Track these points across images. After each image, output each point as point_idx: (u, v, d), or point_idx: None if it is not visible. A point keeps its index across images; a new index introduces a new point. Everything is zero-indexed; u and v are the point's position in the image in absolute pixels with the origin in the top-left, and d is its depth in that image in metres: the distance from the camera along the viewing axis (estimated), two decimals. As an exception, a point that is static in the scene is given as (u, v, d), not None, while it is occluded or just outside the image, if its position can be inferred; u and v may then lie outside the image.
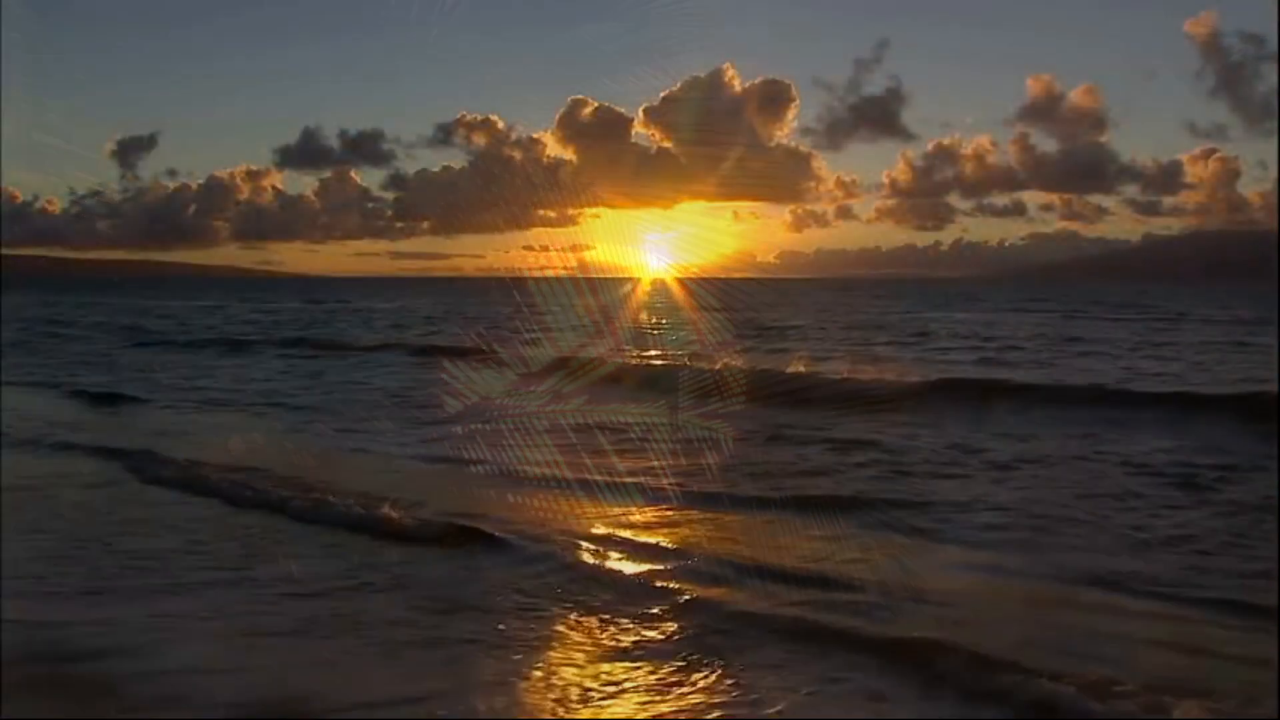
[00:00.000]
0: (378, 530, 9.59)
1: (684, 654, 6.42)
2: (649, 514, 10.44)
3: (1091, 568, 8.28)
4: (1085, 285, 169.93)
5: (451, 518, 9.83)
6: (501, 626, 6.96)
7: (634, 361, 25.51)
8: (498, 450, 13.61)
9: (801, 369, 23.29)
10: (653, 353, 29.33)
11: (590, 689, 5.96)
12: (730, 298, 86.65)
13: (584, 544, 9.15)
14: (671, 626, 6.96)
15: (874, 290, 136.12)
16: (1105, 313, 60.95)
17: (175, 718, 5.63)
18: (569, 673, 6.20)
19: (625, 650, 6.56)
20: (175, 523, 10.02)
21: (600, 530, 9.82)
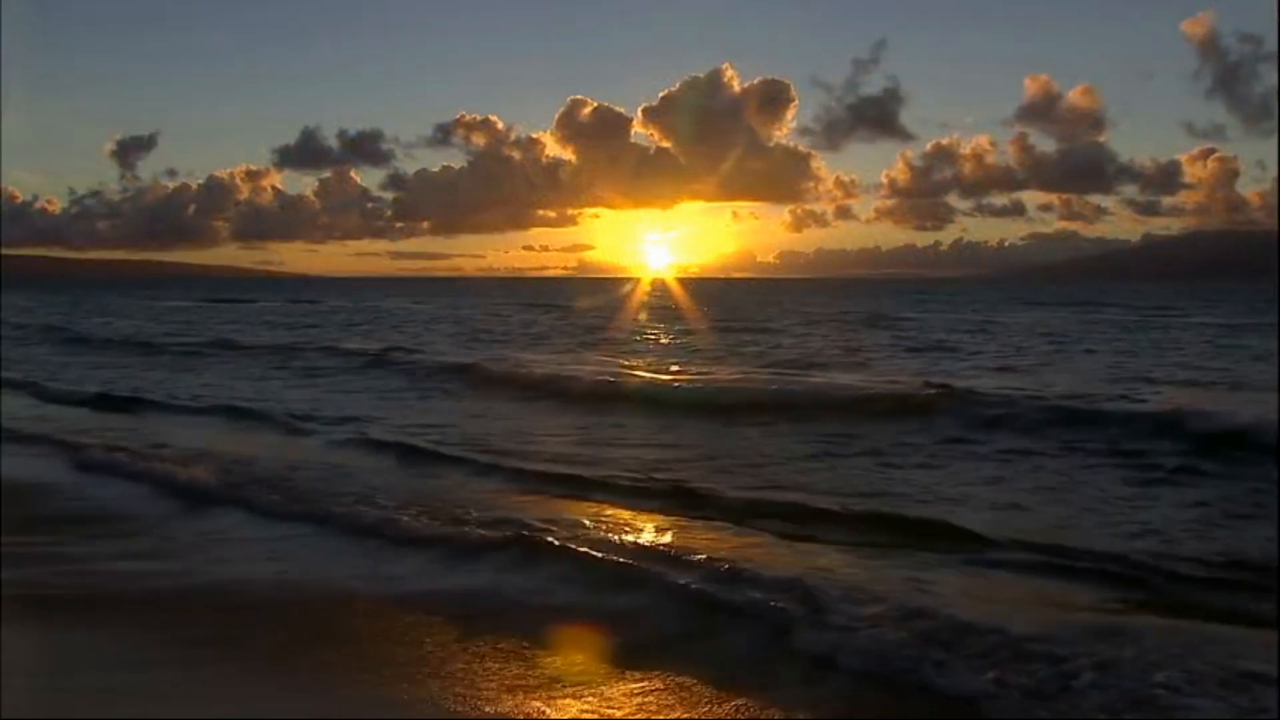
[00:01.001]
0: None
1: None
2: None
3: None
4: (1085, 285, 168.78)
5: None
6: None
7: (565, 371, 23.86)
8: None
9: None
10: (578, 359, 27.89)
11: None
12: (709, 298, 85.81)
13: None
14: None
15: (871, 290, 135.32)
16: (1085, 312, 59.82)
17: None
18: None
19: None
20: None
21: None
